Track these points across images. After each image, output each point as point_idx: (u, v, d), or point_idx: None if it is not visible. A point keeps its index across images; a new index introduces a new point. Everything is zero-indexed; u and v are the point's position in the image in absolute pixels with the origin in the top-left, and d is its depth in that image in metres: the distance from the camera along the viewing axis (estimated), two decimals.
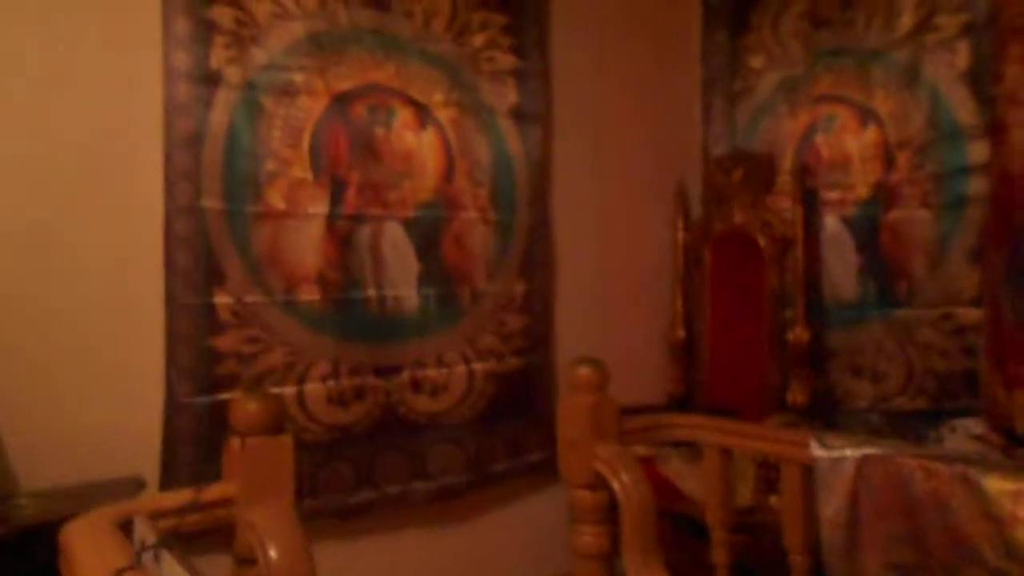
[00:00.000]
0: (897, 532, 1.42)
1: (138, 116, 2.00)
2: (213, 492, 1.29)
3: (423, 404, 2.43)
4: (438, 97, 2.45)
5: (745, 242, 2.91)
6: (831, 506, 1.49)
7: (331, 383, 2.24)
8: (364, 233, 2.32)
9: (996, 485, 1.27)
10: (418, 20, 2.42)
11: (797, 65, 2.89)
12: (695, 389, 3.03)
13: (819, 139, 2.83)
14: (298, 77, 2.20)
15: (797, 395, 2.66)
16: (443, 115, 2.46)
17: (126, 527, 1.17)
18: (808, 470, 1.60)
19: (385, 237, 2.36)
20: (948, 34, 2.47)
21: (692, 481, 2.41)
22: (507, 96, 2.61)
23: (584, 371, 1.69)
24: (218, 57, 2.07)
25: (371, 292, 2.33)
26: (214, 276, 2.07)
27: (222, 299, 2.08)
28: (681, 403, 2.98)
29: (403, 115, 2.39)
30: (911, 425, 2.50)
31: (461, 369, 2.50)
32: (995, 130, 2.25)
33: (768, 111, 2.99)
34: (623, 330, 2.98)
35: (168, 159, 2.01)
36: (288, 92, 2.18)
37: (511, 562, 2.65)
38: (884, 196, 2.65)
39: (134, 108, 2.00)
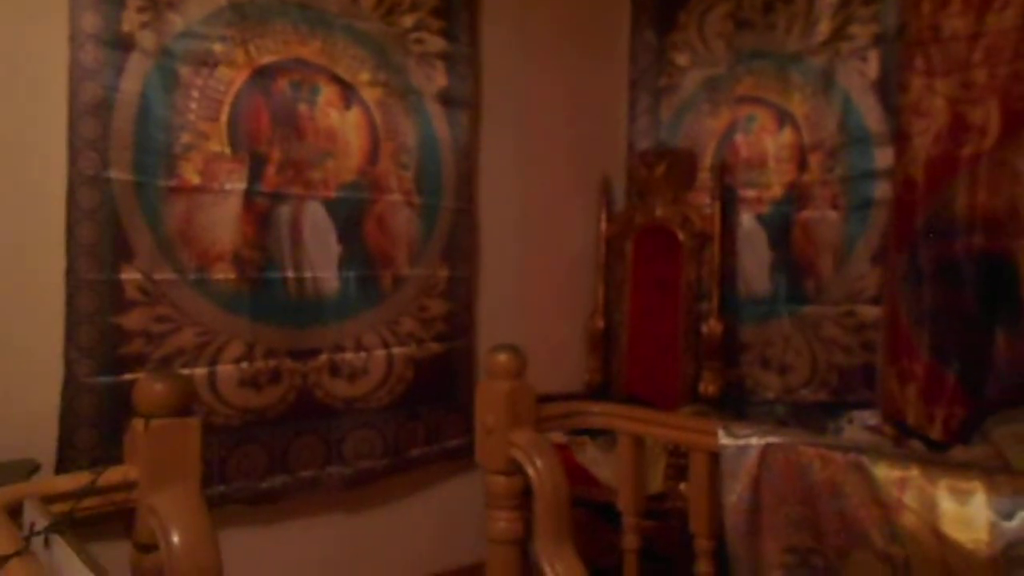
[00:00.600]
0: (795, 517, 1.49)
1: (41, 79, 1.88)
2: (113, 475, 1.23)
3: (340, 388, 2.39)
4: (364, 76, 2.40)
5: (665, 236, 2.98)
6: (735, 492, 1.55)
7: (245, 365, 2.18)
8: (284, 212, 2.26)
9: (884, 473, 1.34)
10: None
11: (720, 65, 2.98)
12: (613, 378, 3.09)
13: (739, 138, 2.93)
14: (218, 47, 2.11)
15: (709, 386, 2.75)
16: (369, 95, 2.42)
17: (16, 512, 1.11)
18: (715, 457, 1.65)
19: (305, 217, 2.30)
20: (860, 44, 2.59)
21: (606, 469, 2.46)
22: (435, 79, 2.59)
23: (502, 357, 1.69)
24: (131, 21, 1.96)
25: (289, 273, 2.28)
26: (121, 251, 1.98)
27: (129, 275, 1.99)
28: (599, 392, 3.04)
29: (328, 92, 2.33)
30: (814, 416, 2.63)
31: (380, 353, 2.47)
32: (899, 138, 2.38)
33: (691, 108, 3.06)
34: (544, 318, 3.01)
35: (73, 126, 1.90)
36: (207, 62, 2.10)
37: (426, 547, 2.65)
38: (797, 196, 2.76)
39: (36, 70, 1.88)
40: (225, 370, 2.14)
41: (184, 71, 2.06)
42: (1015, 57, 2.08)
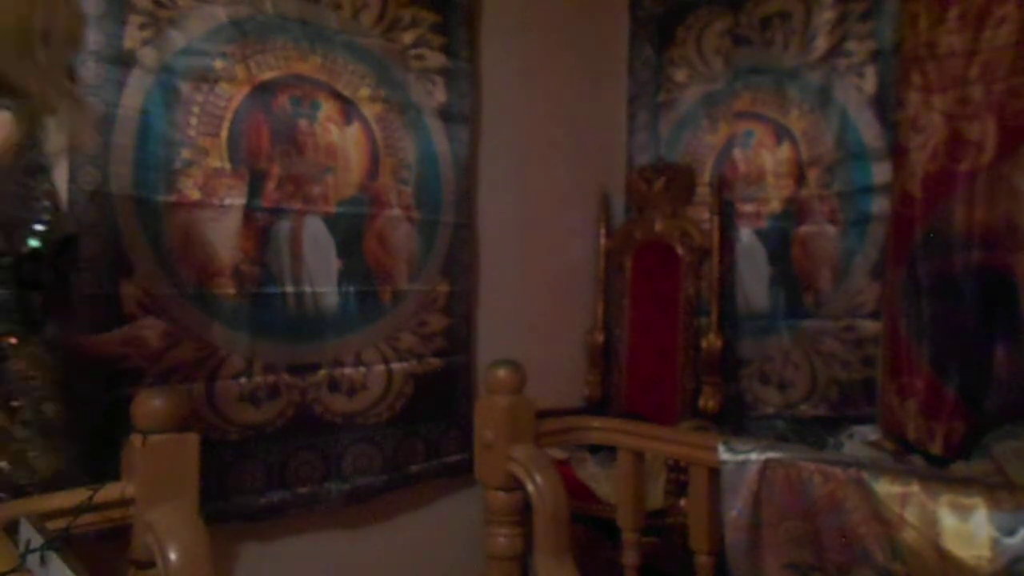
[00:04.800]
0: (796, 533, 1.49)
1: None
2: (110, 492, 1.23)
3: (340, 404, 2.38)
4: (364, 92, 2.41)
5: (665, 250, 2.99)
6: (735, 508, 1.54)
7: (243, 380, 2.17)
8: (283, 227, 2.26)
9: (886, 488, 1.34)
10: (346, 12, 2.38)
11: (718, 81, 2.99)
12: (612, 393, 3.09)
13: (737, 153, 2.94)
14: (218, 64, 2.12)
15: (709, 401, 2.75)
16: (369, 110, 2.43)
17: (12, 529, 1.10)
18: (715, 473, 1.65)
19: (305, 232, 2.31)
20: (857, 59, 2.61)
21: (606, 484, 2.45)
22: (435, 95, 2.60)
23: (502, 373, 1.69)
24: (132, 37, 1.97)
25: (289, 288, 2.28)
26: (120, 266, 1.97)
27: (128, 290, 1.99)
28: (598, 407, 3.03)
29: (328, 108, 2.34)
30: (814, 431, 2.62)
31: (380, 369, 2.47)
32: (897, 153, 2.39)
33: (690, 124, 3.08)
34: (544, 333, 3.00)
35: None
36: (207, 78, 2.11)
37: (425, 563, 2.63)
38: (795, 211, 2.77)
39: None
40: (223, 385, 2.14)
41: (185, 87, 2.07)
42: (1011, 74, 2.09)
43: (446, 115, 2.63)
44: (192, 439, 1.26)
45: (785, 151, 2.80)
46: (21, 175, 1.34)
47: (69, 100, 1.39)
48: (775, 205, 2.82)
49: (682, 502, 2.31)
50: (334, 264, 2.37)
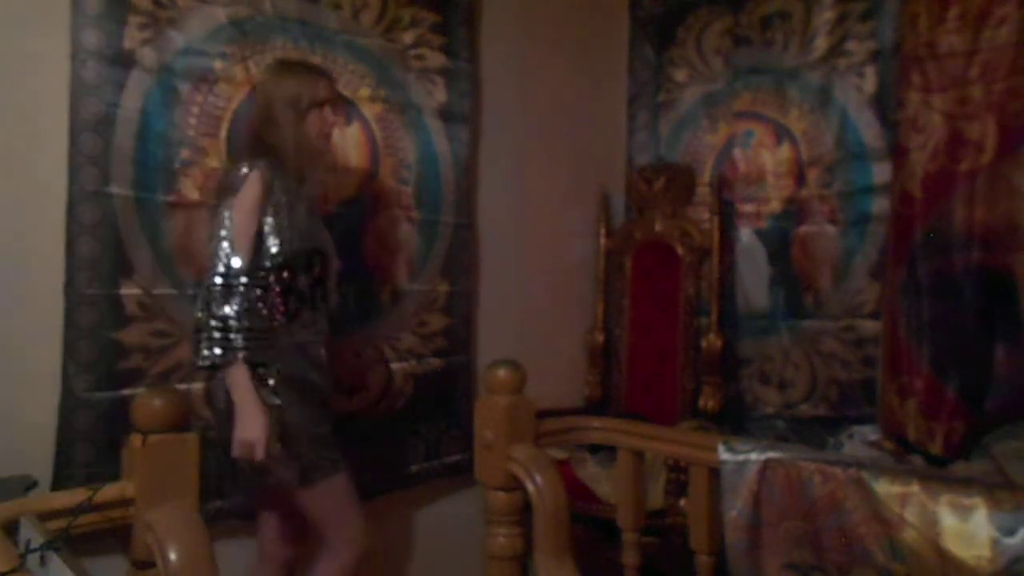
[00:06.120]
0: (796, 533, 1.49)
1: (42, 95, 1.88)
2: (110, 492, 1.23)
3: (339, 404, 2.38)
4: (364, 92, 2.41)
5: (665, 250, 2.99)
6: (735, 508, 1.54)
7: None
8: None
9: (886, 488, 1.34)
10: (346, 12, 2.38)
11: (718, 81, 2.99)
12: (612, 393, 3.09)
13: (737, 153, 2.94)
14: (218, 64, 2.12)
15: (709, 400, 2.75)
16: (369, 110, 2.43)
17: (12, 528, 1.11)
18: (715, 473, 1.65)
19: None
20: (857, 59, 2.61)
21: (606, 484, 2.45)
22: (435, 95, 2.60)
23: (501, 373, 1.70)
24: (132, 38, 1.97)
25: None
26: (121, 266, 1.97)
27: (129, 291, 1.98)
28: (598, 407, 3.03)
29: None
30: (814, 431, 2.62)
31: (380, 369, 2.46)
32: (897, 153, 2.39)
33: (690, 124, 3.08)
34: (544, 333, 3.00)
35: (74, 142, 1.90)
36: (207, 79, 2.10)
37: (425, 563, 2.63)
38: (795, 211, 2.77)
39: (38, 86, 1.88)
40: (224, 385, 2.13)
41: (184, 88, 2.06)
42: (1011, 73, 2.09)
43: (446, 115, 2.63)
44: (192, 439, 1.27)
45: (785, 151, 2.80)
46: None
47: (308, 150, 1.83)
48: (775, 205, 2.82)
49: (682, 502, 2.31)
50: (333, 265, 2.36)
